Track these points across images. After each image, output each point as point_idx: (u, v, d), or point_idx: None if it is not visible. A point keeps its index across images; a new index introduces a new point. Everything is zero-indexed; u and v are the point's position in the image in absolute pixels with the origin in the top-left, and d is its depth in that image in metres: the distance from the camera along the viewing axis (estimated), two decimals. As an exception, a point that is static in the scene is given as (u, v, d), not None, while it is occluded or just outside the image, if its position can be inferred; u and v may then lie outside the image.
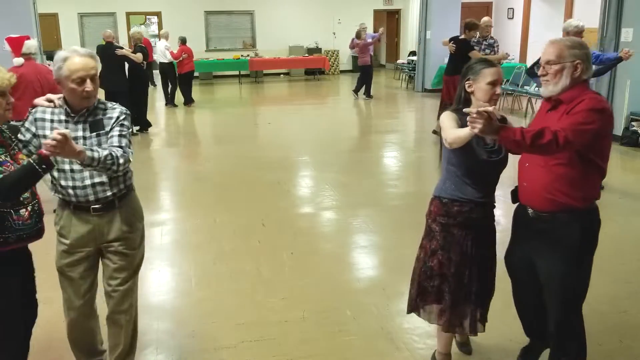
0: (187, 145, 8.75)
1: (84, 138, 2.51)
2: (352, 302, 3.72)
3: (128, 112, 2.66)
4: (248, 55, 17.21)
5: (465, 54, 7.99)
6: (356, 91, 13.09)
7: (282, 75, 18.40)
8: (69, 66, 2.44)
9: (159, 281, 4.08)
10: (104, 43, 9.17)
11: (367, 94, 13.06)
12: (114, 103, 2.67)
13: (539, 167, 2.49)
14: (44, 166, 2.22)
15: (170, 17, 17.18)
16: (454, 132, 2.48)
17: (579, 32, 6.09)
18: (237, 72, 17.17)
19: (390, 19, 19.91)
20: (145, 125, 9.52)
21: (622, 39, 8.15)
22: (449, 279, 2.71)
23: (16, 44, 5.08)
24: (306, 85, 16.34)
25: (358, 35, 13.09)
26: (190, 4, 17.45)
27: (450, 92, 8.58)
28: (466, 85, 2.65)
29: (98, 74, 2.53)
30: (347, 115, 11.78)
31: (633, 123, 8.26)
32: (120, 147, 2.49)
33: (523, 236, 2.72)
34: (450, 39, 8.59)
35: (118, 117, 2.56)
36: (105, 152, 2.38)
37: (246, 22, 18.25)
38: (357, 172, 6.98)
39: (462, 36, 8.51)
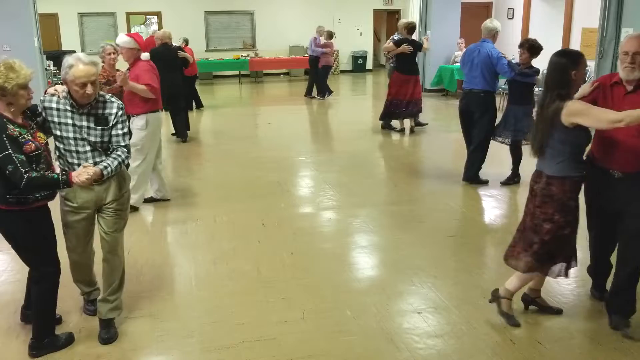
0: (186, 145, 8.75)
1: (88, 128, 3.07)
2: (352, 302, 3.72)
3: (123, 105, 3.20)
4: (248, 55, 17.20)
5: (415, 52, 8.80)
6: (323, 94, 13.32)
7: (282, 75, 18.39)
8: (73, 72, 2.93)
9: (159, 281, 4.07)
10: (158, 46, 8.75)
11: (309, 93, 13.47)
12: (109, 95, 3.20)
13: (632, 138, 3.08)
14: (65, 185, 2.91)
15: (170, 17, 17.17)
16: (634, 113, 2.87)
17: (497, 32, 6.29)
18: (237, 72, 17.17)
19: (390, 19, 19.91)
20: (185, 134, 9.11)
21: (622, 39, 8.14)
22: (573, 237, 3.28)
23: (142, 41, 5.53)
24: (306, 85, 16.32)
25: (330, 36, 13.39)
26: (190, 4, 17.44)
27: (401, 91, 8.95)
28: (572, 75, 3.10)
29: (97, 79, 3.02)
30: (347, 115, 11.79)
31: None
32: (125, 145, 3.14)
33: (607, 196, 3.25)
34: (399, 43, 8.81)
35: (117, 113, 3.13)
36: (116, 163, 3.06)
37: (246, 22, 18.25)
38: (357, 172, 6.98)
39: (407, 38, 8.90)
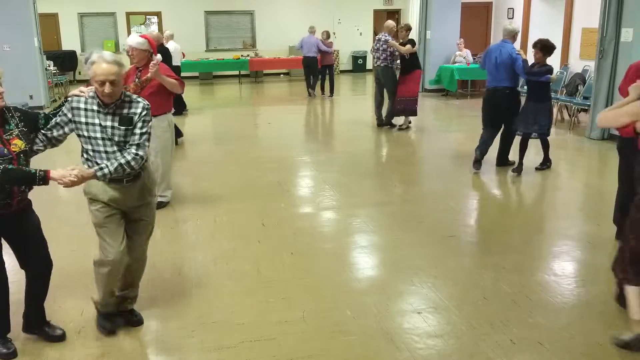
0: (186, 146, 8.75)
1: (113, 127, 3.03)
2: (352, 302, 3.72)
3: (149, 106, 3.12)
4: (248, 55, 17.20)
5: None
6: (330, 92, 13.77)
7: (282, 75, 18.39)
8: (94, 69, 2.92)
9: (159, 281, 4.07)
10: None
11: (312, 90, 13.84)
12: (137, 96, 3.16)
13: None
14: (41, 182, 2.81)
15: (170, 17, 17.17)
16: None
17: (516, 33, 6.72)
18: (237, 72, 17.17)
19: (390, 19, 19.88)
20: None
21: (622, 39, 8.14)
22: None
23: (154, 43, 5.40)
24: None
25: (328, 36, 13.77)
26: (190, 4, 17.45)
27: (417, 87, 9.38)
28: None
29: (120, 79, 2.98)
30: (347, 115, 11.79)
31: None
32: (138, 144, 3.04)
33: None
34: (413, 43, 9.18)
35: (141, 113, 3.07)
36: (115, 164, 2.97)
37: (246, 22, 18.25)
38: (357, 172, 6.98)
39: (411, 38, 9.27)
